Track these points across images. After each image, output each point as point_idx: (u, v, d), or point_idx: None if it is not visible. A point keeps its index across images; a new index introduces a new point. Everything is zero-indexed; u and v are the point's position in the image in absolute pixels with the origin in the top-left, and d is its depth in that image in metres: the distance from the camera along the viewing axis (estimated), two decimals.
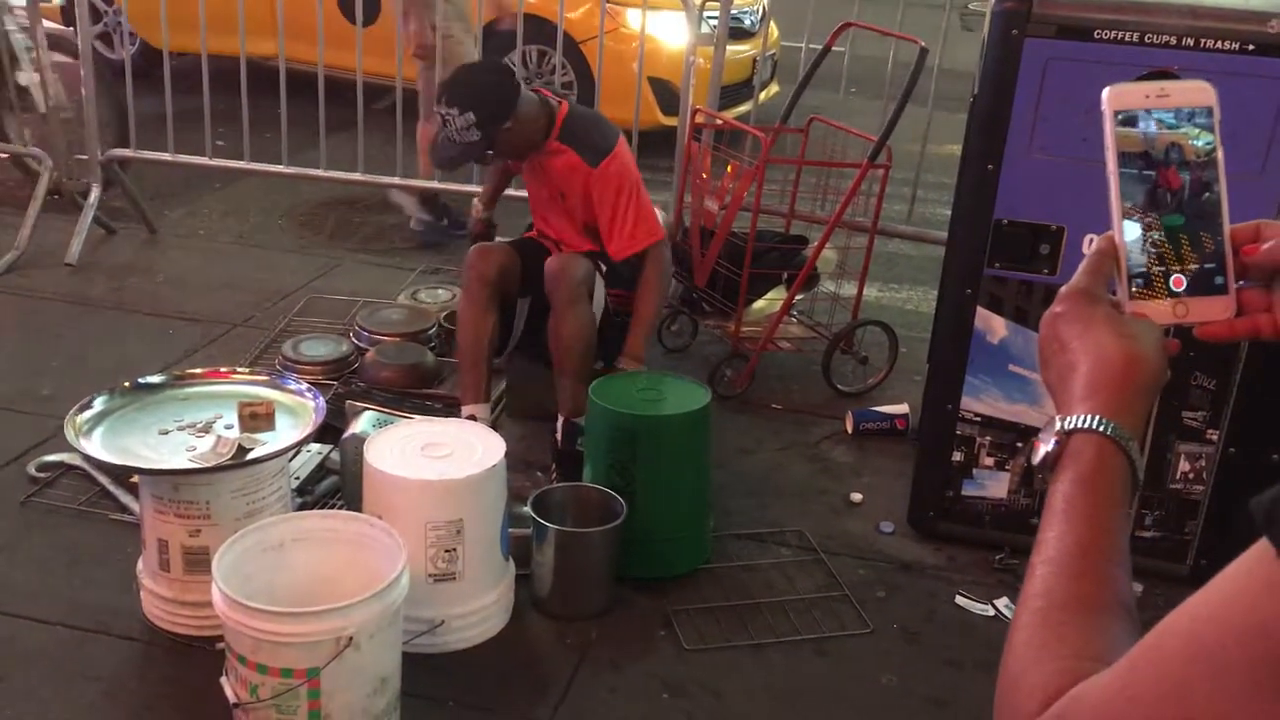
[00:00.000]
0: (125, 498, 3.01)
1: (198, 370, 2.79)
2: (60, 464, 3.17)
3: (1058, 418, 0.87)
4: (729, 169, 3.89)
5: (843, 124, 4.10)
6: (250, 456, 2.45)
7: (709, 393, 2.91)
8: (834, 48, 4.12)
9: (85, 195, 4.92)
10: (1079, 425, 0.85)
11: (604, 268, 3.21)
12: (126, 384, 2.66)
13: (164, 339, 4.11)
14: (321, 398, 2.66)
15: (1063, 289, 0.91)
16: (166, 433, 2.54)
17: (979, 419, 2.96)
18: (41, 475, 3.13)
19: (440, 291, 4.45)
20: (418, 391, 3.68)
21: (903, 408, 3.72)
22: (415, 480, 2.46)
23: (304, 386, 2.70)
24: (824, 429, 3.74)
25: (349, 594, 2.24)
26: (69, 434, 2.45)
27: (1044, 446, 0.87)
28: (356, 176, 4.98)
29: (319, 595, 2.25)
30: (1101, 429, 0.84)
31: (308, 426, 2.56)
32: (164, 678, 2.46)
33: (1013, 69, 2.66)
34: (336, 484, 3.10)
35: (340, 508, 3.01)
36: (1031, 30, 2.63)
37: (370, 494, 2.52)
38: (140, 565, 2.62)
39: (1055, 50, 2.63)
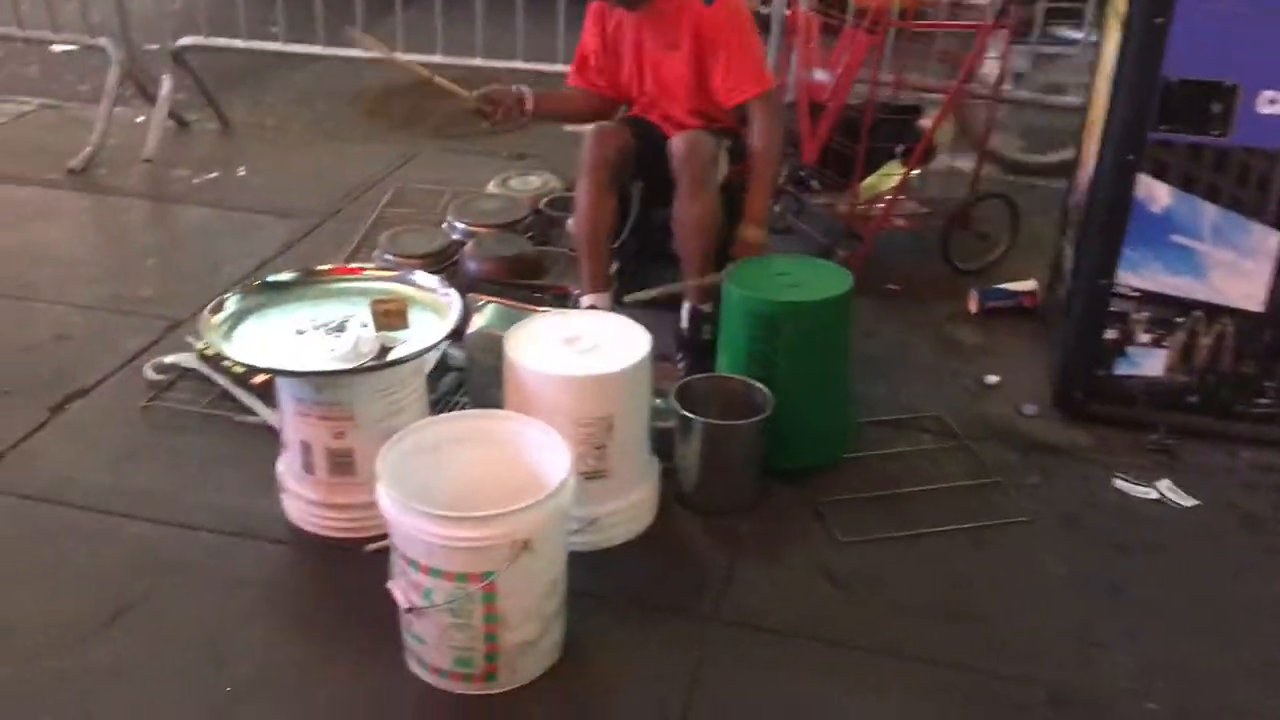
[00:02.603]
0: (248, 399, 2.93)
1: (326, 266, 2.68)
2: (176, 366, 3.10)
3: None
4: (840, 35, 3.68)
5: None
6: (395, 355, 2.35)
7: (850, 276, 2.77)
8: None
9: (157, 87, 4.77)
10: None
11: (727, 143, 3.04)
12: (256, 283, 2.55)
13: (254, 234, 4.01)
14: (455, 292, 2.55)
15: None
16: (302, 333, 2.44)
17: (1136, 294, 2.81)
18: (159, 378, 3.06)
19: (531, 178, 4.29)
20: (523, 283, 3.56)
21: (1030, 284, 3.57)
22: (564, 376, 2.35)
23: (435, 281, 2.58)
24: (946, 308, 3.59)
25: (508, 494, 2.15)
26: (211, 338, 2.36)
27: None
28: (436, 59, 4.76)
29: (475, 496, 2.17)
30: None
31: (448, 322, 2.45)
32: (318, 580, 2.41)
33: None
34: (459, 379, 3.01)
35: (464, 404, 2.93)
36: None
37: (514, 391, 2.42)
38: (280, 467, 2.55)
39: None
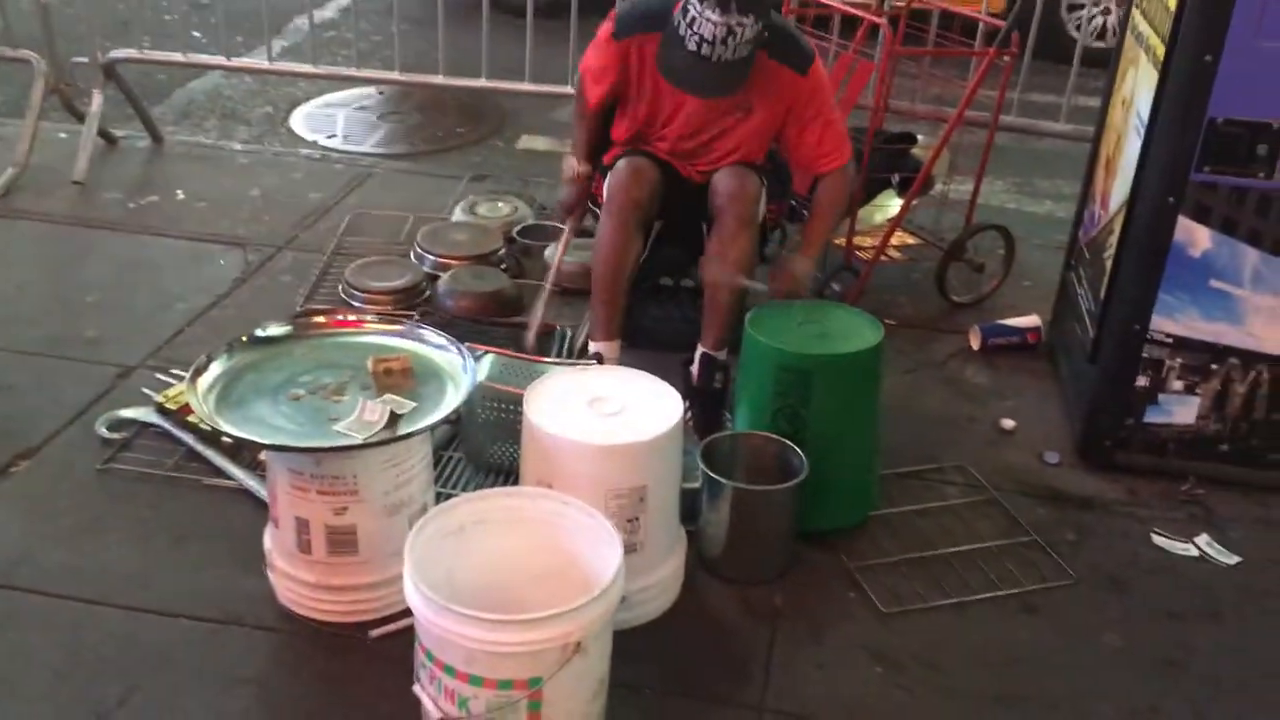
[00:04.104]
0: (218, 459, 2.66)
1: (320, 319, 2.42)
2: (133, 421, 2.80)
3: None
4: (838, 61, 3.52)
5: (950, 5, 3.73)
6: (408, 423, 2.11)
7: (880, 325, 2.60)
8: None
9: (85, 102, 4.41)
10: None
11: (765, 182, 2.85)
12: (244, 338, 2.29)
13: (204, 266, 3.70)
14: (466, 350, 2.32)
15: None
16: (298, 398, 2.18)
17: (1170, 340, 2.69)
18: (114, 436, 2.76)
19: (500, 205, 4.06)
20: (504, 320, 3.34)
21: (1033, 320, 3.45)
22: (597, 445, 2.14)
23: (445, 338, 2.34)
24: (947, 346, 3.46)
25: (541, 583, 1.96)
26: (198, 408, 2.09)
27: None
28: (395, 76, 4.51)
29: (502, 583, 1.97)
30: None
31: (463, 385, 2.22)
32: (320, 673, 2.15)
33: None
34: (451, 433, 2.77)
35: (459, 461, 2.70)
36: None
37: (538, 460, 2.19)
38: (268, 544, 2.29)
39: None
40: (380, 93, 5.55)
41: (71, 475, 2.64)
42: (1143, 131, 2.66)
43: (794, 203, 3.68)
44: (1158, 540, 2.64)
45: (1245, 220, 2.54)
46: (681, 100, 2.73)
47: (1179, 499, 2.78)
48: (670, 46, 2.59)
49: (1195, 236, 2.59)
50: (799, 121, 2.75)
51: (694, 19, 2.50)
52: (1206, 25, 2.42)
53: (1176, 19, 2.50)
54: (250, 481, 2.58)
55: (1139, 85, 2.79)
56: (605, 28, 2.82)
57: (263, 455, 2.43)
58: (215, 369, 2.20)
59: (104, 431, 2.76)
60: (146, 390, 2.91)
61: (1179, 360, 2.71)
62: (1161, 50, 2.59)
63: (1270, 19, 2.37)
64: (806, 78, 2.69)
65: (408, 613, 1.86)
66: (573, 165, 2.99)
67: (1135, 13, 2.94)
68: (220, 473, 2.64)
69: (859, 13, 3.43)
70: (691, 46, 2.52)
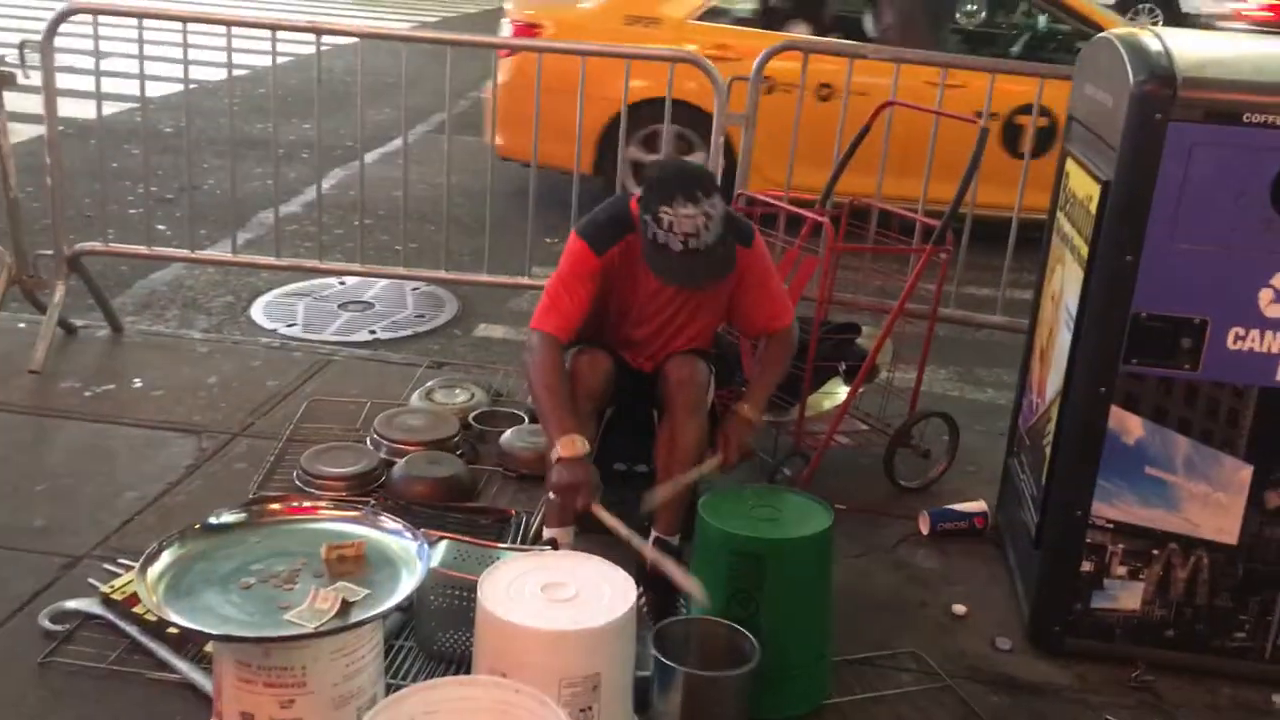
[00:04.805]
0: (163, 652, 2.61)
1: (274, 506, 2.43)
2: (77, 613, 2.75)
3: None
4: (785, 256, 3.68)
5: (889, 206, 3.94)
6: (359, 610, 2.10)
7: (830, 509, 2.65)
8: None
9: (47, 293, 4.48)
10: None
11: (713, 369, 2.95)
12: (196, 526, 2.29)
13: (157, 454, 3.70)
14: (421, 536, 2.33)
15: None
16: (249, 587, 2.17)
17: (1111, 525, 2.76)
18: (57, 628, 2.70)
19: (457, 391, 4.12)
20: (460, 506, 3.36)
21: (979, 505, 3.51)
22: (550, 632, 2.14)
23: (400, 524, 2.36)
24: (897, 530, 3.50)
25: None
26: (146, 598, 2.08)
27: None
28: (356, 267, 4.62)
29: None
30: None
31: (416, 572, 2.22)
32: None
33: (1154, 155, 2.51)
34: (402, 621, 2.75)
35: (410, 649, 2.67)
36: (1176, 114, 2.48)
37: (491, 647, 2.19)
38: None
39: (1202, 135, 2.48)
40: (341, 283, 5.68)
41: (11, 670, 2.58)
42: (1072, 325, 2.80)
43: (744, 390, 3.80)
44: None
45: (1175, 409, 2.65)
46: (642, 289, 2.86)
47: (1129, 685, 2.79)
48: (657, 255, 2.67)
49: (1128, 425, 2.69)
50: (748, 288, 2.92)
51: (670, 222, 2.61)
52: (1125, 228, 2.58)
53: (1097, 222, 2.67)
54: (195, 675, 2.53)
55: (1066, 282, 2.94)
56: (577, 248, 2.81)
57: (209, 646, 2.40)
58: (166, 558, 2.19)
59: (47, 624, 2.71)
60: (93, 580, 2.87)
61: (1121, 545, 2.77)
62: (1085, 250, 2.75)
63: (1184, 222, 2.54)
64: (751, 249, 2.88)
65: None
66: (565, 446, 2.63)
67: (1060, 215, 3.13)
68: (165, 666, 2.59)
69: (802, 212, 3.61)
70: (677, 247, 2.62)
